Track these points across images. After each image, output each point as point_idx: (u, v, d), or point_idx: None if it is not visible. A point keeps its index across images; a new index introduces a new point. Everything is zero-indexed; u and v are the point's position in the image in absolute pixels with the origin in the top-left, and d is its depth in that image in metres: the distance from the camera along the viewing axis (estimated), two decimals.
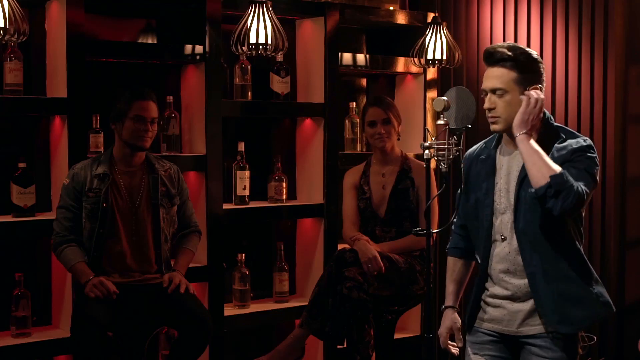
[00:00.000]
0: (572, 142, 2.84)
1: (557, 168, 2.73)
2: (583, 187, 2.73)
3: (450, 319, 3.04)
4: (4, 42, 3.50)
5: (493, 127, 2.89)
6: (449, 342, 3.05)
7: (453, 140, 2.78)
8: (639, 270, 4.43)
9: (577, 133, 2.91)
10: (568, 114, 4.50)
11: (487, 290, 2.96)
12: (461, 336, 3.02)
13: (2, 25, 3.28)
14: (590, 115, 4.42)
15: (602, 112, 4.38)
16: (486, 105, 2.86)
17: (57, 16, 3.82)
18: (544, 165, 2.73)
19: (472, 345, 3.00)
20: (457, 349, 3.02)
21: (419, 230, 2.83)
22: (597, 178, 2.83)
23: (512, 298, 2.90)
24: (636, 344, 4.10)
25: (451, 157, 2.77)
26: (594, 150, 2.84)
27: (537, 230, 2.84)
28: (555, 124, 2.93)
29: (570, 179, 2.72)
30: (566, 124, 4.50)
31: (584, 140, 2.85)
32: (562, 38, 4.51)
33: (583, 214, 2.90)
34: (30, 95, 3.85)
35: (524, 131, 2.79)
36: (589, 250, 4.46)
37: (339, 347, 4.02)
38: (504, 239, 2.90)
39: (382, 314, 4.17)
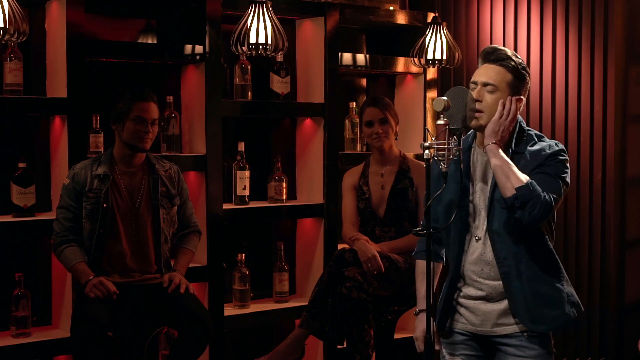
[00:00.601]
0: (544, 146, 2.88)
1: (524, 178, 2.77)
2: (551, 196, 2.77)
3: (426, 322, 3.02)
4: (4, 42, 3.50)
5: (474, 122, 2.89)
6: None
7: (453, 140, 2.78)
8: (639, 270, 4.44)
9: (545, 137, 2.96)
10: (568, 114, 4.50)
11: (460, 291, 2.98)
12: (438, 339, 3.01)
13: (2, 25, 3.28)
14: (590, 115, 4.42)
15: (602, 112, 4.38)
16: (474, 96, 2.88)
17: (57, 16, 3.82)
18: (512, 175, 2.77)
19: (447, 346, 3.02)
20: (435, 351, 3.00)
21: (419, 230, 2.83)
22: (569, 180, 2.87)
23: (486, 299, 2.92)
24: (636, 344, 4.10)
25: (451, 157, 2.77)
26: (565, 153, 2.88)
27: (511, 231, 2.86)
28: (526, 127, 2.96)
29: (537, 188, 2.76)
30: (566, 124, 4.51)
31: (556, 145, 2.90)
32: (562, 38, 4.51)
33: (555, 213, 2.92)
34: (30, 95, 3.85)
35: (494, 141, 2.82)
36: (589, 250, 4.46)
37: (339, 347, 4.02)
38: (478, 240, 2.91)
39: (382, 313, 4.17)
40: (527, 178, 2.77)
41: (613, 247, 4.40)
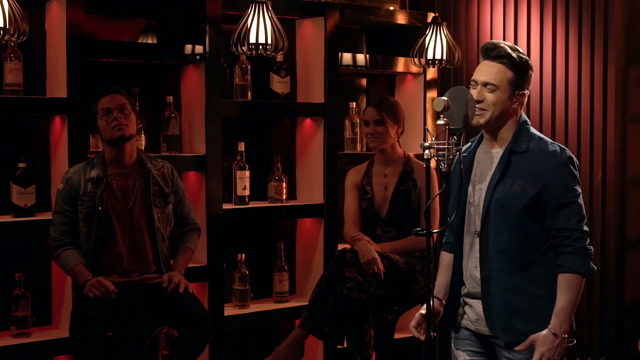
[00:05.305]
0: (553, 151, 2.84)
1: (572, 280, 2.82)
2: (582, 228, 2.83)
3: (426, 321, 2.98)
4: (4, 42, 3.50)
5: (477, 119, 2.87)
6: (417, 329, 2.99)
7: (453, 140, 2.78)
8: (638, 270, 4.43)
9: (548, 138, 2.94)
10: (568, 114, 4.50)
11: (464, 287, 2.99)
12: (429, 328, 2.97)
13: (2, 25, 3.28)
14: (590, 115, 4.42)
15: (602, 112, 4.38)
16: (475, 96, 2.87)
17: (57, 16, 3.82)
18: (569, 307, 2.82)
19: (455, 340, 3.04)
20: (422, 338, 2.97)
21: (419, 230, 2.83)
22: (579, 186, 2.85)
23: (481, 298, 2.92)
24: (636, 344, 4.10)
25: (451, 157, 2.77)
26: (574, 164, 2.85)
27: (501, 238, 2.85)
28: (532, 129, 2.93)
29: (575, 262, 2.82)
30: (566, 124, 4.50)
31: (563, 151, 2.85)
32: (562, 38, 4.51)
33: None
34: (30, 95, 3.85)
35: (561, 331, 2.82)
36: None
37: (339, 347, 4.02)
38: (477, 235, 2.91)
39: (382, 314, 4.17)
40: (571, 271, 2.82)
41: (613, 247, 4.39)
